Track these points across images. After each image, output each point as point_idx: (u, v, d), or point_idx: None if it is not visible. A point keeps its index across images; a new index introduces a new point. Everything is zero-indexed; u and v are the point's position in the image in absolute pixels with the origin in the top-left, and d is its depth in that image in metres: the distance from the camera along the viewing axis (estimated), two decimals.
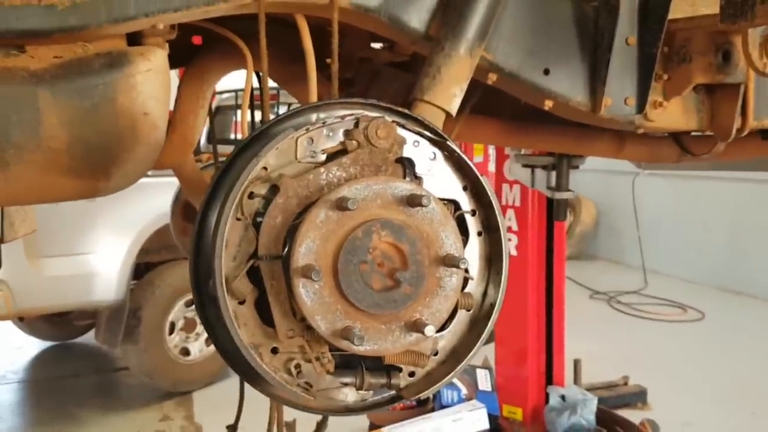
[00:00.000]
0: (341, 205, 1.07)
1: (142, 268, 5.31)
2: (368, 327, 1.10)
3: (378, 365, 1.21)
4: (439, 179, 1.24)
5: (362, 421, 4.23)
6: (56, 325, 6.40)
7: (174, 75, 1.73)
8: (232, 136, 7.65)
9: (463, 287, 1.22)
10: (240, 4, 1.30)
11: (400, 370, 1.22)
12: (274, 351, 1.16)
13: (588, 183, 10.21)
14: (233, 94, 7.16)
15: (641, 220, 9.66)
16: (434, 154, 1.23)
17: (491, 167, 5.14)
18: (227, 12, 1.32)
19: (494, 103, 2.24)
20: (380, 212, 1.11)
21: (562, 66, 1.56)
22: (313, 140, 1.16)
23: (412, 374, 1.24)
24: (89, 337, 6.35)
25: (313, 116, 1.21)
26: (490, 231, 1.27)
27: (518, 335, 4.41)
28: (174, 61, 1.45)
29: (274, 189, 1.13)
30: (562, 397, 4.33)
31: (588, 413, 4.18)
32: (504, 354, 4.54)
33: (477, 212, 1.27)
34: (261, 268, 1.12)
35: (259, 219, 1.13)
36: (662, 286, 8.73)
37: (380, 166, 1.17)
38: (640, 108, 1.61)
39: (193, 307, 4.12)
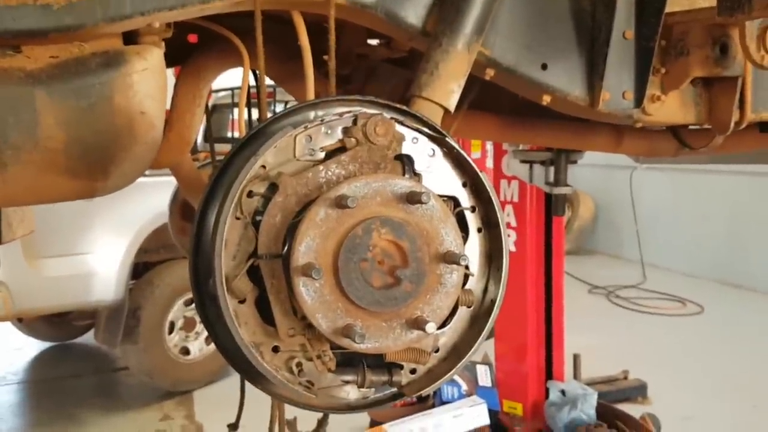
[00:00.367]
0: (341, 203, 1.07)
1: (141, 268, 5.31)
2: (369, 325, 1.10)
3: (379, 363, 1.21)
4: (439, 176, 1.23)
5: (363, 418, 4.23)
6: (55, 325, 6.40)
7: (170, 74, 1.72)
8: (229, 135, 7.64)
9: (464, 284, 1.22)
10: (236, 1, 1.30)
11: (401, 367, 1.22)
12: (275, 349, 1.16)
13: (586, 178, 10.22)
14: (230, 92, 7.15)
15: (639, 214, 9.67)
16: (433, 150, 1.23)
17: (489, 163, 5.13)
18: (223, 10, 1.31)
19: (492, 99, 2.24)
20: (380, 210, 1.11)
21: (559, 61, 1.55)
22: (311, 138, 1.15)
23: (413, 371, 1.24)
24: (89, 338, 6.34)
25: (311, 114, 1.20)
26: (490, 227, 1.27)
27: (518, 331, 4.41)
28: (170, 60, 1.45)
29: (273, 187, 1.12)
30: (562, 392, 4.33)
31: (588, 408, 4.18)
32: (504, 350, 4.55)
33: (476, 209, 1.26)
34: (261, 267, 1.12)
35: (258, 218, 1.12)
36: (661, 280, 8.74)
37: (379, 163, 1.17)
38: (638, 102, 1.61)
39: (193, 306, 4.14)
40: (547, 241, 4.39)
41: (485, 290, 1.28)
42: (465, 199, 1.26)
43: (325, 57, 1.35)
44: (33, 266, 4.45)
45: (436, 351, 1.25)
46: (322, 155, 1.16)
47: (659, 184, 9.58)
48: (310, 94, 1.44)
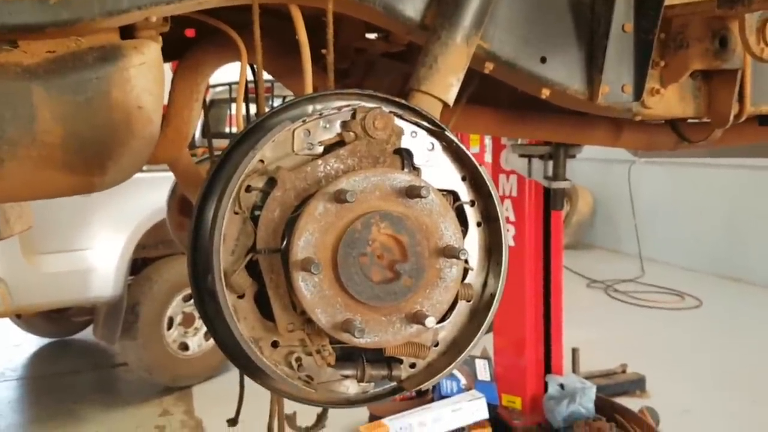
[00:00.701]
0: (340, 198, 1.07)
1: (140, 264, 5.30)
2: (369, 319, 1.10)
3: (379, 357, 1.21)
4: (438, 170, 1.23)
5: (362, 412, 4.24)
6: (54, 321, 6.40)
7: (167, 68, 1.72)
8: (227, 130, 7.63)
9: (463, 278, 1.22)
10: None
11: (401, 361, 1.22)
12: (275, 344, 1.15)
13: (584, 172, 10.21)
14: (227, 87, 7.14)
15: (638, 208, 9.67)
16: (432, 144, 1.22)
17: (488, 157, 5.13)
18: (220, 3, 1.31)
19: (491, 93, 2.24)
20: (379, 204, 1.10)
21: (559, 54, 1.55)
22: (310, 132, 1.15)
23: (413, 366, 1.23)
24: (87, 334, 6.33)
25: (310, 108, 1.19)
26: (490, 221, 1.26)
27: (516, 325, 4.42)
28: (167, 55, 1.44)
29: (272, 182, 1.12)
30: (561, 386, 4.34)
31: (587, 401, 4.19)
32: (502, 344, 4.56)
33: (476, 203, 1.26)
34: (260, 262, 1.11)
35: (257, 212, 1.12)
36: (659, 274, 8.75)
37: (378, 157, 1.16)
38: (638, 95, 1.61)
39: (191, 301, 4.14)
40: (545, 236, 4.40)
41: (485, 284, 1.27)
42: (464, 193, 1.25)
43: (323, 51, 1.35)
44: (31, 262, 4.44)
45: (436, 345, 1.25)
46: (320, 149, 1.15)
47: (658, 178, 9.58)
48: (308, 89, 1.43)
